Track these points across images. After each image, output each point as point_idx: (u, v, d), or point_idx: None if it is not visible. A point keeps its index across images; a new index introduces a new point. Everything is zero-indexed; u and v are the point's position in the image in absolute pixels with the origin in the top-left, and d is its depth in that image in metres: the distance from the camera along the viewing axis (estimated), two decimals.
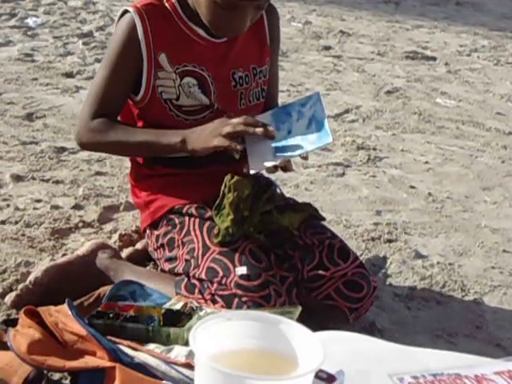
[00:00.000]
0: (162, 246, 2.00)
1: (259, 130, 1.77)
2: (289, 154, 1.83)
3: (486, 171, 3.46)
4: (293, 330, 1.12)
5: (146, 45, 1.89)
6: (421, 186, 3.19)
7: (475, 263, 2.55)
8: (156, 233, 2.03)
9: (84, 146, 2.01)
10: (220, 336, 1.09)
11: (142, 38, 1.89)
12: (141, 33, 1.88)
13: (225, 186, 1.88)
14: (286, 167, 1.85)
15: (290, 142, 1.83)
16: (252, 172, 1.80)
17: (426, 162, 3.48)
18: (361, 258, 2.20)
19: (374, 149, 3.54)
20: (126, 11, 1.92)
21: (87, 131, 1.93)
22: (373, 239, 2.60)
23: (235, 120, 1.80)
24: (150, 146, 1.91)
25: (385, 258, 2.47)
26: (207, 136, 1.81)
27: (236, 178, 1.87)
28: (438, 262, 2.50)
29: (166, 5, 1.93)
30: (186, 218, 1.97)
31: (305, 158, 1.86)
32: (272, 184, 2.12)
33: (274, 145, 1.84)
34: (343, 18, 6.70)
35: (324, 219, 2.08)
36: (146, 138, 1.90)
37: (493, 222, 2.90)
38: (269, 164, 1.81)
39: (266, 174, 2.20)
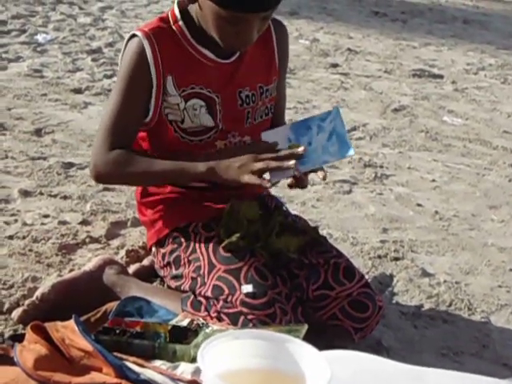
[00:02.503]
0: (169, 263, 2.01)
1: (292, 162, 1.76)
2: (310, 165, 1.84)
3: (493, 190, 3.46)
4: (300, 350, 1.12)
5: (156, 68, 1.89)
6: (427, 204, 3.19)
7: (482, 282, 2.54)
8: (162, 251, 2.03)
9: (102, 178, 1.97)
10: (228, 354, 1.09)
11: (152, 62, 1.88)
12: (150, 56, 1.88)
13: (231, 207, 1.91)
14: (302, 180, 1.86)
15: (311, 153, 1.84)
16: (273, 181, 1.81)
17: (433, 180, 3.48)
18: (367, 276, 2.21)
19: (381, 166, 3.55)
20: (133, 35, 1.92)
21: (106, 163, 1.89)
22: (379, 257, 2.60)
23: (266, 155, 1.78)
24: (176, 175, 1.90)
25: (391, 276, 2.47)
26: (237, 171, 1.79)
27: (243, 201, 1.91)
28: (445, 281, 2.50)
29: (173, 27, 1.93)
30: (192, 236, 1.97)
31: (324, 178, 1.86)
32: (279, 207, 2.12)
33: None
34: (351, 35, 6.73)
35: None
36: (170, 168, 1.88)
37: (500, 241, 2.90)
38: (286, 175, 1.81)
39: (272, 192, 2.21)
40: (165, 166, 1.89)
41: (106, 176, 1.94)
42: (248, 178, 1.77)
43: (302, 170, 1.82)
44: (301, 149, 1.78)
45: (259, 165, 1.77)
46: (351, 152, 1.86)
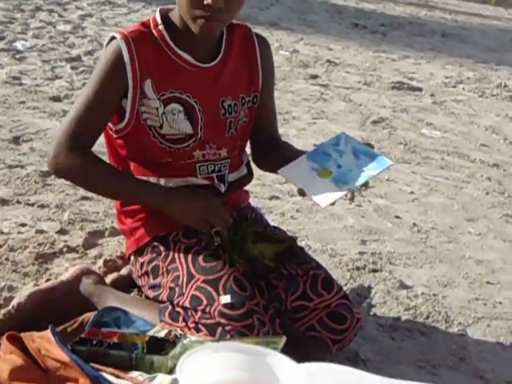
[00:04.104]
0: (147, 273, 2.00)
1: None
2: (355, 181, 1.82)
3: (471, 202, 3.48)
4: (280, 363, 1.12)
5: (132, 71, 1.89)
6: (406, 216, 3.20)
7: (459, 294, 2.55)
8: (141, 260, 2.02)
9: (60, 173, 1.95)
10: (207, 367, 1.09)
11: (128, 63, 1.88)
12: (127, 58, 1.88)
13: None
14: (351, 198, 1.87)
15: (348, 173, 1.83)
16: (324, 206, 1.81)
17: (412, 193, 3.49)
18: (345, 288, 2.21)
19: None
20: (113, 38, 1.93)
21: (67, 160, 1.88)
22: (358, 269, 2.60)
23: (223, 214, 1.92)
24: (131, 196, 1.98)
25: (369, 288, 2.47)
26: (191, 214, 1.92)
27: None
28: (423, 293, 2.50)
29: (154, 32, 1.94)
30: (172, 246, 1.96)
31: (351, 198, 1.88)
32: (258, 219, 2.12)
33: (331, 179, 1.83)
34: (330, 47, 6.77)
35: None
36: (129, 188, 1.95)
37: (477, 254, 2.91)
38: (337, 196, 1.80)
39: (253, 204, 2.21)
40: (126, 184, 1.96)
41: (66, 173, 1.95)
42: (199, 226, 1.93)
43: (354, 188, 1.81)
44: None
45: (214, 220, 1.91)
46: (389, 162, 1.88)
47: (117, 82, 1.89)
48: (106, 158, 2.02)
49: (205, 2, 1.81)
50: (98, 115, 1.91)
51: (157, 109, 1.92)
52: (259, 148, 2.15)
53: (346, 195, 1.83)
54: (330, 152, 1.88)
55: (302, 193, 1.88)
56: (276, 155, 2.05)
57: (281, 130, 3.93)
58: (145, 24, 1.96)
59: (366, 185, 1.88)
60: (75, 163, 1.89)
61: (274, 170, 2.01)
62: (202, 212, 1.91)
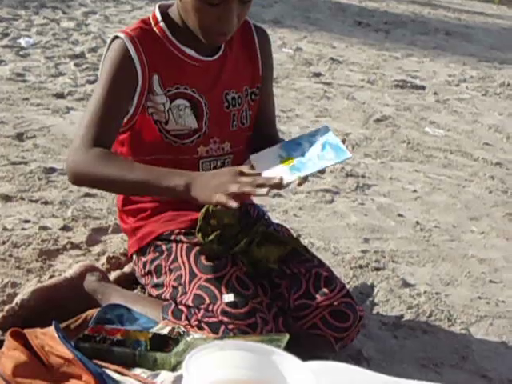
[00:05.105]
0: (150, 272, 2.00)
1: (264, 190, 1.64)
2: (308, 171, 1.79)
3: (474, 201, 3.48)
4: (285, 361, 1.12)
5: (141, 65, 1.89)
6: (409, 214, 3.20)
7: (462, 293, 2.55)
8: (143, 259, 2.02)
9: (79, 177, 1.82)
10: (212, 366, 1.09)
11: (137, 59, 1.88)
12: (134, 55, 1.88)
13: (206, 211, 1.90)
14: (299, 183, 1.80)
15: (307, 162, 1.82)
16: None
17: (414, 191, 3.49)
18: (348, 286, 2.21)
19: (363, 176, 3.56)
20: (115, 37, 1.92)
21: (85, 160, 1.78)
22: (360, 267, 2.60)
23: (244, 179, 1.66)
24: (149, 185, 1.75)
25: (372, 286, 2.47)
26: (212, 190, 1.67)
27: (218, 207, 1.88)
28: (425, 291, 2.50)
29: (155, 29, 1.94)
30: (174, 245, 1.96)
31: (299, 184, 1.81)
32: (261, 217, 2.11)
33: (289, 167, 1.83)
34: (334, 45, 6.76)
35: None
36: (144, 177, 1.75)
37: (480, 252, 2.91)
38: (288, 181, 1.75)
39: (255, 201, 2.22)
40: (140, 173, 1.76)
41: (84, 175, 1.80)
42: (218, 197, 1.65)
43: (302, 175, 1.80)
44: (276, 180, 1.66)
45: (234, 187, 1.65)
46: (348, 155, 1.83)
47: (128, 78, 1.88)
48: None
49: (219, 23, 1.81)
50: (113, 115, 1.88)
51: (163, 104, 1.92)
52: (257, 142, 2.12)
53: (296, 181, 1.78)
54: (303, 142, 1.89)
55: None
56: None
57: (284, 128, 3.96)
58: (145, 21, 1.96)
59: (322, 171, 1.86)
60: (93, 157, 1.78)
61: None
62: (226, 179, 1.67)
